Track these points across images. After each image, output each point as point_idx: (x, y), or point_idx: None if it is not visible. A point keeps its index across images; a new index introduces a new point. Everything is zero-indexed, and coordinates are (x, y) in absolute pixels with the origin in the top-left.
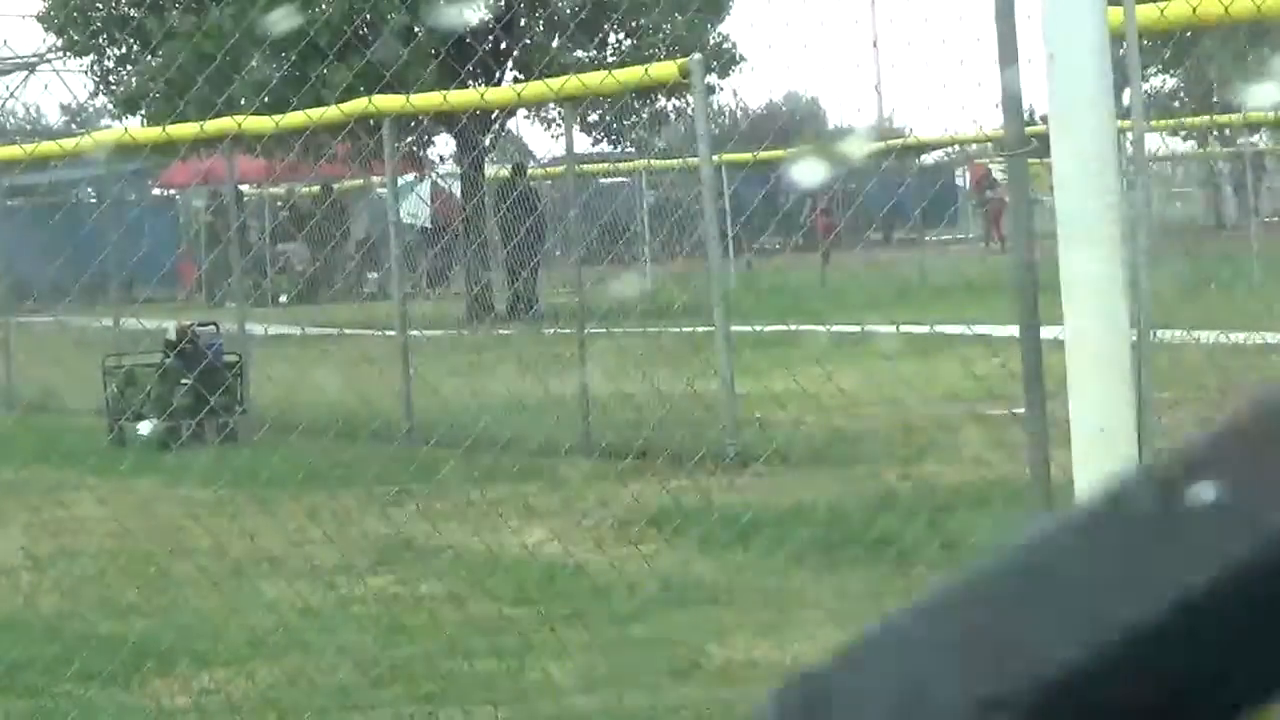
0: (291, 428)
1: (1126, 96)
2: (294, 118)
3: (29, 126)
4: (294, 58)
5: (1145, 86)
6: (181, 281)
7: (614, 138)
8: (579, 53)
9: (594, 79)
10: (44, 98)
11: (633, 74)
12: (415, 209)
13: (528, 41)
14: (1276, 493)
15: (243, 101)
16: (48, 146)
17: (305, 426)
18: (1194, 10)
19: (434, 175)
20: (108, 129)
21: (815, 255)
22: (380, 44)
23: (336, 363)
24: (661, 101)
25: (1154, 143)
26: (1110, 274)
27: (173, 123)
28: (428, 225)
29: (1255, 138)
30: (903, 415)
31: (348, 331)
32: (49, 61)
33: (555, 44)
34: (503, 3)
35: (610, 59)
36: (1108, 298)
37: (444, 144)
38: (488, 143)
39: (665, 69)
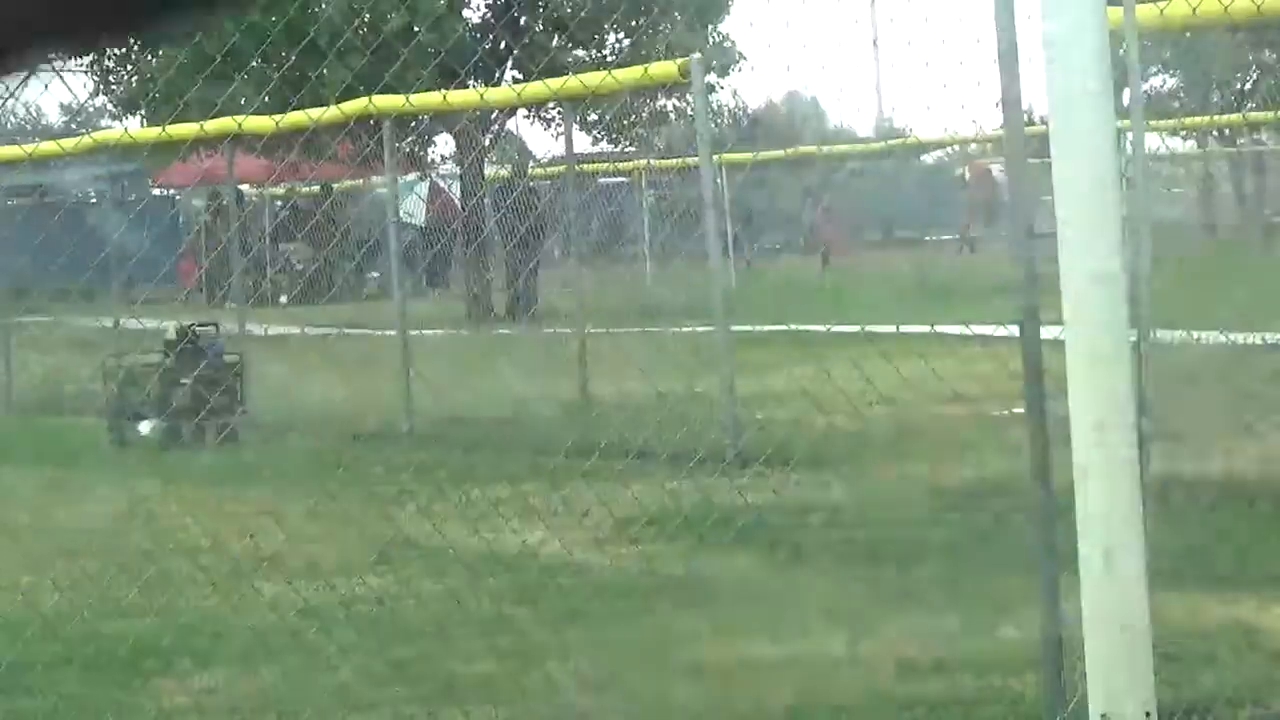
0: (292, 428)
1: (1126, 96)
2: (294, 118)
3: (29, 126)
4: (294, 58)
5: (1145, 86)
6: (182, 281)
7: (614, 137)
8: (579, 52)
9: (594, 79)
10: (44, 98)
11: (633, 74)
12: (412, 208)
13: (527, 41)
14: None
15: (243, 101)
16: (48, 146)
17: (305, 427)
18: (1194, 10)
19: (433, 175)
20: (108, 129)
21: (815, 255)
22: (380, 44)
23: (337, 362)
24: (661, 101)
25: (1154, 143)
26: (1110, 274)
27: (173, 123)
28: (421, 224)
29: (1255, 137)
30: (903, 415)
31: (348, 331)
32: (49, 61)
33: (555, 44)
34: (503, 2)
35: (610, 59)
36: (1108, 298)
37: (444, 144)
38: (487, 143)
39: (665, 69)
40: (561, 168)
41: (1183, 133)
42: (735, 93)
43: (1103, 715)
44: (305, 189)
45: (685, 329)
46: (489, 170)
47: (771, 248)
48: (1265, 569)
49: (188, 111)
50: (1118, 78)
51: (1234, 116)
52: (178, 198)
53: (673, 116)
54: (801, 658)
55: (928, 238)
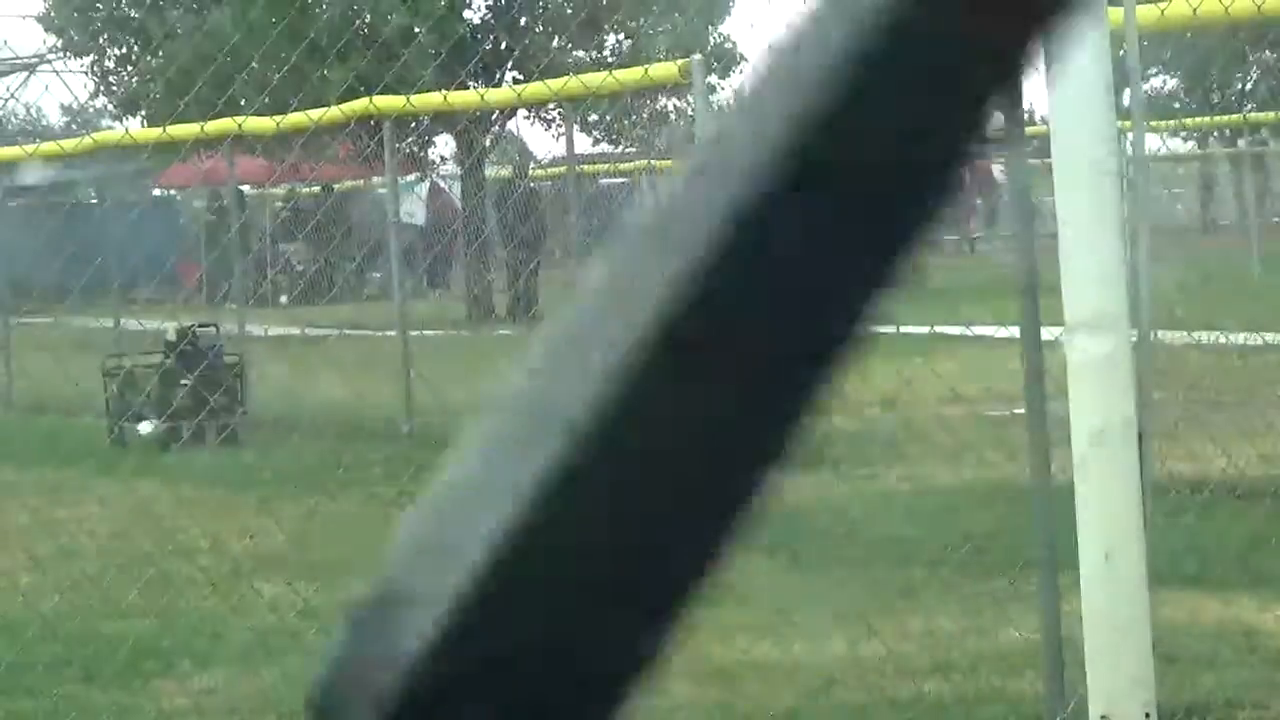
0: (292, 428)
1: (1126, 96)
2: (294, 118)
3: (29, 127)
4: (294, 58)
5: (1145, 86)
6: (182, 282)
7: (614, 138)
8: (579, 53)
9: (594, 79)
10: (44, 98)
11: (633, 74)
12: (412, 208)
13: (527, 42)
14: None
15: (243, 102)
16: (48, 146)
17: (305, 427)
18: (1194, 10)
19: (433, 175)
20: (108, 129)
21: None
22: (380, 44)
23: (337, 363)
24: (662, 101)
25: (1154, 143)
26: (1110, 274)
27: (173, 123)
28: (422, 224)
29: (1255, 137)
30: (903, 415)
31: (348, 332)
32: (49, 62)
33: (555, 44)
34: (503, 3)
35: (610, 59)
36: (1108, 298)
37: (444, 144)
38: (488, 143)
39: (665, 69)
40: (562, 168)
41: (1183, 133)
42: (736, 92)
43: (1103, 715)
44: (305, 189)
45: None
46: (489, 170)
47: None
48: (1265, 569)
49: (188, 112)
50: (1118, 78)
51: (1234, 116)
52: (178, 198)
53: (673, 117)
54: (801, 658)
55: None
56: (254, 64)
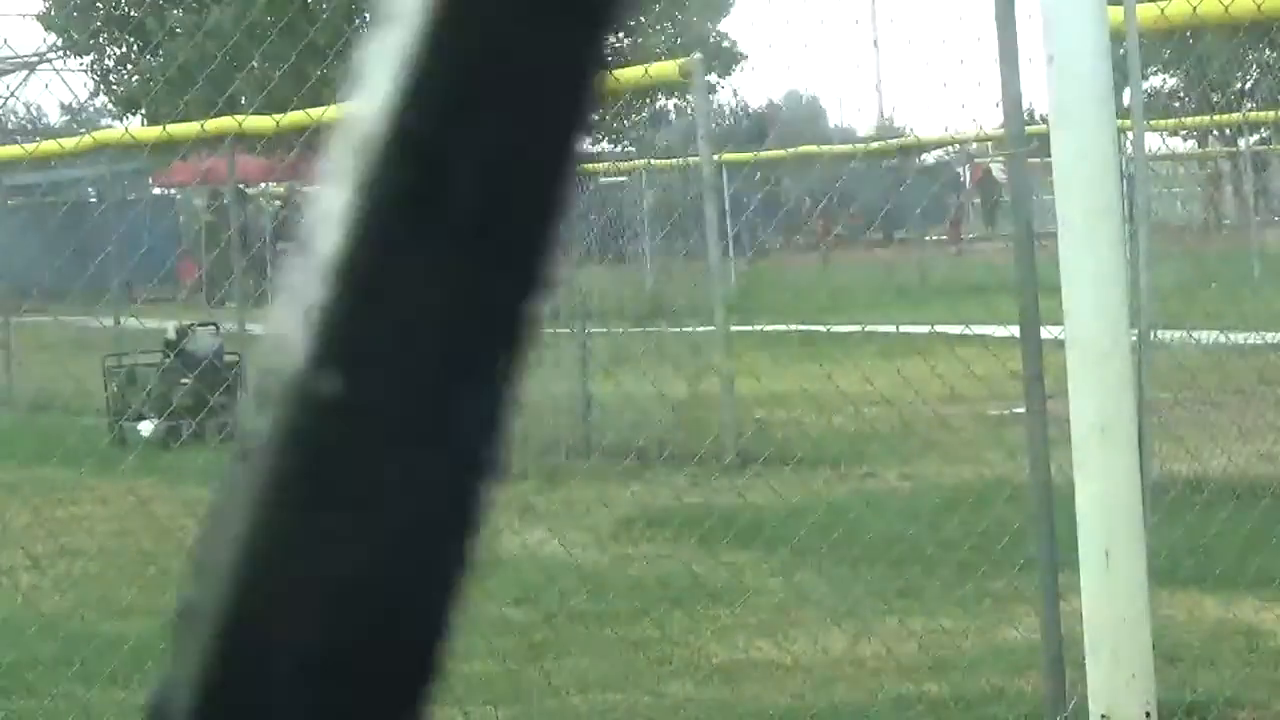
0: None
1: (1126, 96)
2: (295, 117)
3: (29, 126)
4: (294, 57)
5: (1145, 86)
6: (182, 281)
7: (614, 137)
8: None
9: None
10: (44, 97)
11: (633, 74)
12: None
13: None
14: None
15: (243, 101)
16: (48, 146)
17: None
18: (1194, 10)
19: None
20: (108, 128)
21: (814, 255)
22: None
23: None
24: (661, 101)
25: (1154, 143)
26: (1110, 274)
27: (173, 122)
28: None
29: (1255, 137)
30: (903, 415)
31: None
32: (49, 61)
33: None
34: None
35: (609, 59)
36: (1108, 298)
37: None
38: None
39: (665, 69)
40: None
41: (1183, 133)
42: (736, 92)
43: (1103, 715)
44: (306, 189)
45: (685, 329)
46: None
47: (772, 247)
48: (1265, 568)
49: (188, 111)
50: (1118, 78)
51: (1234, 116)
52: (178, 197)
53: (672, 116)
54: (802, 657)
55: (928, 238)
56: (254, 63)
